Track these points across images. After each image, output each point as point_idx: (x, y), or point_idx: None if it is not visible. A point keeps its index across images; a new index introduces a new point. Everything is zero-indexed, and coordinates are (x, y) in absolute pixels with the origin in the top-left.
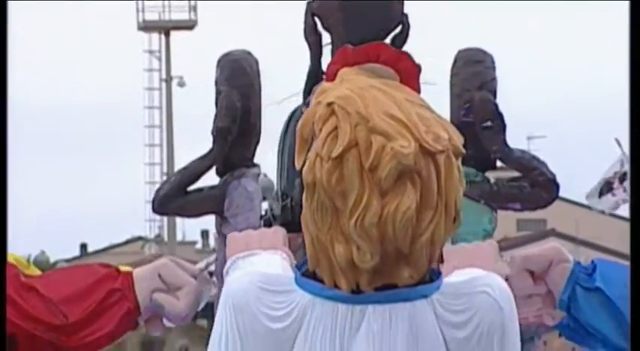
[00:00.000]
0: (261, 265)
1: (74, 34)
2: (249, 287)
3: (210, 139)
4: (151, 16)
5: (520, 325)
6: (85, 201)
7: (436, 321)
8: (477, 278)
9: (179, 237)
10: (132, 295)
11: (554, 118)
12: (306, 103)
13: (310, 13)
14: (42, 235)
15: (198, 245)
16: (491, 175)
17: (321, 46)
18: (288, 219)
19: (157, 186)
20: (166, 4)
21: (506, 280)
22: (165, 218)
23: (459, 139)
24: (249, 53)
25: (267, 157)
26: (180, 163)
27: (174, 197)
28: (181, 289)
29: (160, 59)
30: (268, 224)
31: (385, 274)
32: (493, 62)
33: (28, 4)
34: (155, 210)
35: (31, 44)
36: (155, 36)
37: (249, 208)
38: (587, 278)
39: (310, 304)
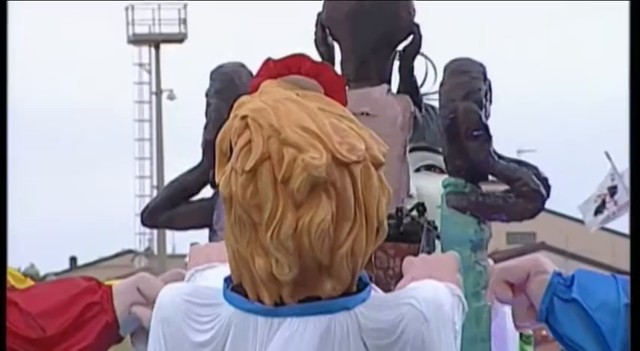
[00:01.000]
0: (214, 279)
1: (64, 47)
2: (177, 300)
3: (200, 151)
4: (141, 29)
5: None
6: (74, 214)
7: (359, 332)
8: (403, 291)
9: (169, 250)
10: (110, 309)
11: (544, 131)
12: None
13: (320, 25)
14: (31, 248)
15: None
16: (489, 188)
17: (332, 57)
18: None
19: (147, 199)
20: (156, 18)
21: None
22: (155, 231)
23: (379, 149)
24: (242, 65)
25: None
26: (170, 176)
27: (163, 210)
28: None
29: (149, 72)
30: None
31: (307, 287)
32: (482, 73)
33: (19, 15)
34: (144, 223)
35: (21, 53)
36: (145, 49)
37: None
38: (565, 289)
39: (234, 317)
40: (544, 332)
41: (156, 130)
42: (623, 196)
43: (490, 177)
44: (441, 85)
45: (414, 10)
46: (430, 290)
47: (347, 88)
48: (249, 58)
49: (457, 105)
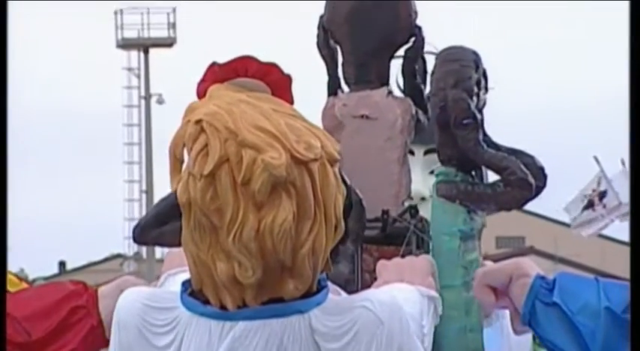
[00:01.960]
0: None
1: (52, 50)
2: (134, 304)
3: None
4: (130, 33)
5: None
6: (63, 218)
7: (311, 335)
8: (360, 294)
9: (158, 255)
10: (96, 312)
11: (532, 135)
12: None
13: (321, 27)
14: (20, 252)
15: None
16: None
17: (335, 60)
18: None
19: (136, 204)
20: (145, 22)
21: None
22: None
23: (333, 146)
24: None
25: None
26: (159, 180)
27: (153, 227)
28: None
29: (139, 77)
30: None
31: (270, 288)
32: (475, 61)
33: (13, 18)
34: (135, 240)
35: (13, 54)
36: (134, 53)
37: None
38: (547, 293)
39: (189, 321)
40: None
41: (145, 135)
42: (612, 199)
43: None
44: (432, 73)
45: (415, 12)
46: (387, 292)
47: (348, 90)
48: None
49: (447, 93)
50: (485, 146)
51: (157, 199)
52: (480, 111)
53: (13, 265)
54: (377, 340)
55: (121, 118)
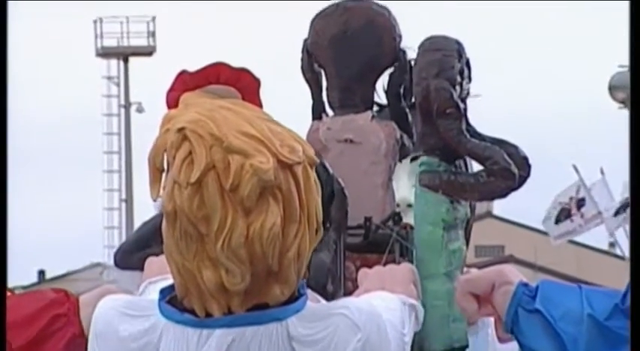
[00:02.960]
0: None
1: (31, 59)
2: (110, 312)
3: None
4: (110, 42)
5: None
6: (43, 227)
7: (289, 342)
8: (338, 301)
9: None
10: (77, 321)
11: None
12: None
13: (305, 51)
14: None
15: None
16: None
17: (319, 84)
18: None
19: (116, 212)
20: (125, 31)
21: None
22: None
23: (310, 150)
24: None
25: None
26: (138, 189)
27: (135, 251)
28: None
29: (118, 85)
30: None
31: (256, 294)
32: (457, 50)
33: None
34: (117, 264)
35: None
36: (114, 62)
37: None
38: (529, 300)
39: (165, 328)
40: None
41: (124, 143)
42: (591, 208)
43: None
44: (415, 63)
45: (399, 36)
46: (366, 300)
47: (332, 114)
48: None
49: (429, 83)
50: (468, 136)
51: (136, 207)
52: (463, 100)
53: None
54: (353, 347)
55: (100, 127)
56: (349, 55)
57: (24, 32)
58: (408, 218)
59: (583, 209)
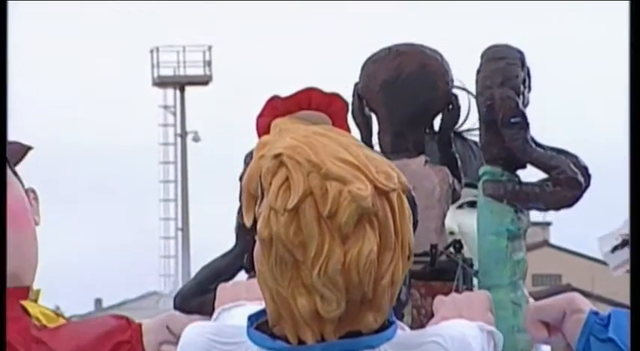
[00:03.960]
0: (240, 317)
1: (89, 88)
2: (199, 339)
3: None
4: (166, 71)
5: None
6: (99, 256)
7: None
8: (429, 329)
9: None
10: (140, 348)
11: None
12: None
13: (356, 94)
14: (56, 290)
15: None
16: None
17: (370, 128)
18: None
19: (172, 241)
20: (181, 60)
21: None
22: (179, 273)
23: (403, 177)
24: None
25: None
26: (194, 218)
27: (195, 296)
28: None
29: (174, 114)
30: None
31: (349, 322)
32: (520, 59)
33: (50, 53)
34: (176, 307)
35: (45, 94)
36: (170, 91)
37: None
38: (602, 329)
39: None
40: None
41: (181, 172)
42: None
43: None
44: (478, 72)
45: (451, 80)
46: (457, 328)
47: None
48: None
49: (494, 92)
50: (533, 145)
51: (192, 236)
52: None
53: (48, 303)
54: None
55: (157, 156)
56: (402, 99)
57: (81, 60)
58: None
59: None
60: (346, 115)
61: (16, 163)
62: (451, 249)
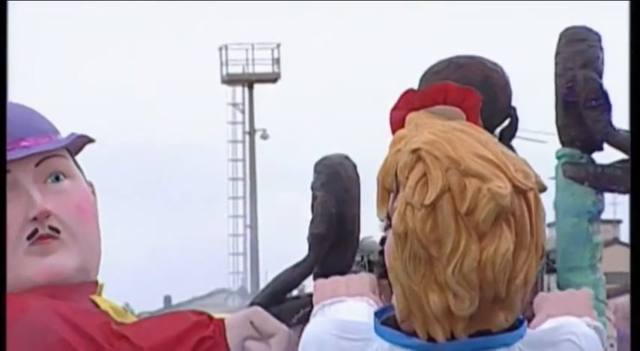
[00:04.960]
0: (346, 313)
1: (158, 86)
2: (325, 335)
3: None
4: (235, 69)
5: None
6: (168, 253)
7: None
8: (560, 326)
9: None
10: (224, 343)
11: None
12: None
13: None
14: (125, 287)
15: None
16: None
17: None
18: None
19: (241, 238)
20: (250, 58)
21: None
22: (248, 270)
23: (538, 176)
24: (346, 157)
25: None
26: (263, 215)
27: (270, 306)
28: (273, 336)
29: (243, 112)
30: (370, 270)
31: (480, 320)
32: (599, 41)
33: (112, 53)
34: None
35: (117, 89)
36: (239, 89)
37: None
38: None
39: None
40: None
41: (249, 170)
42: None
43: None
44: (557, 53)
45: (511, 92)
46: (584, 326)
47: None
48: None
49: (575, 73)
50: (615, 128)
51: (261, 233)
52: None
53: (118, 300)
54: None
55: (225, 153)
56: None
57: (150, 58)
58: None
59: None
60: (478, 109)
61: (76, 153)
62: None
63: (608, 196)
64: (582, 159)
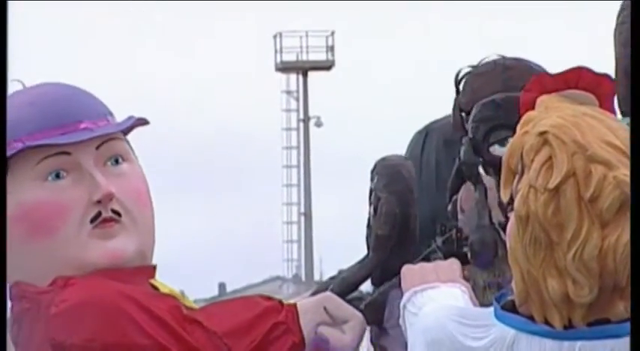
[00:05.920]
0: (443, 299)
1: (213, 74)
2: (447, 322)
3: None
4: (289, 56)
5: None
6: (223, 240)
7: None
8: None
9: (316, 277)
10: (297, 329)
11: None
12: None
13: (458, 109)
14: (181, 274)
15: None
16: None
17: None
18: (452, 251)
19: (295, 226)
20: (304, 45)
21: None
22: (302, 257)
23: None
24: (406, 158)
25: None
26: (317, 202)
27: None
28: (347, 322)
29: (297, 99)
30: (427, 258)
31: (599, 309)
32: None
33: (166, 41)
34: None
35: (174, 78)
36: (293, 76)
37: None
38: None
39: (514, 338)
40: None
41: (303, 157)
42: None
43: None
44: (622, 23)
45: None
46: None
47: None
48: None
49: None
50: None
51: (315, 221)
52: None
53: (173, 288)
54: None
55: (280, 141)
56: (511, 114)
57: (206, 48)
58: None
59: None
60: (612, 96)
61: (126, 133)
62: None
63: None
64: None
